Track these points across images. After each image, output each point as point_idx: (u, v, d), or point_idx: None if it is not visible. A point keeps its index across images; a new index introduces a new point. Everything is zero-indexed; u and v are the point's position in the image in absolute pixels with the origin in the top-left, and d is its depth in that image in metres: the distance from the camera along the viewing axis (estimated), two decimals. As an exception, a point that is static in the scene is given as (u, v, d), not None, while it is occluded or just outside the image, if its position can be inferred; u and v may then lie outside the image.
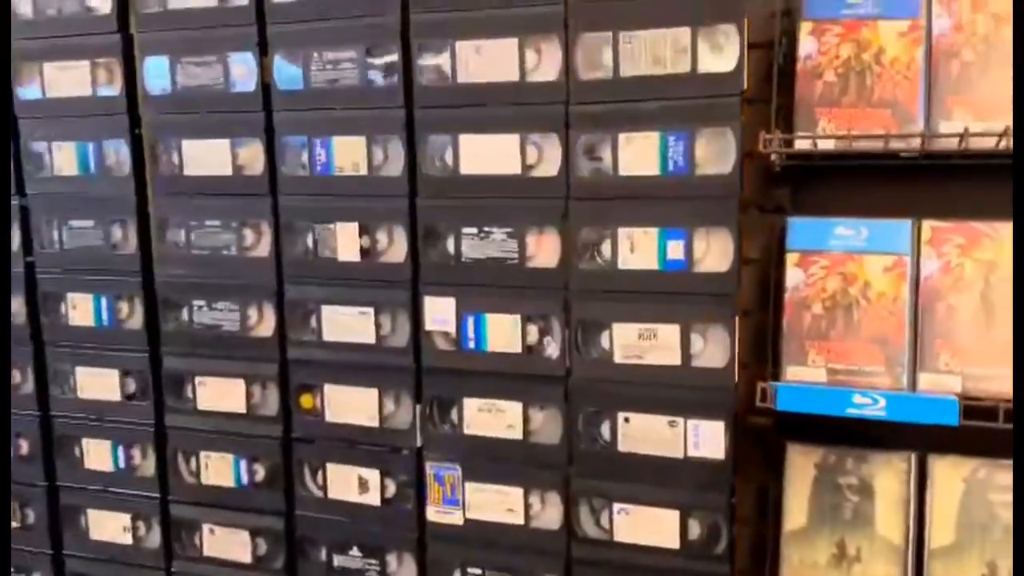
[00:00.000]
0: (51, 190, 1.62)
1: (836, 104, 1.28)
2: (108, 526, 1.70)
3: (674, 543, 1.34)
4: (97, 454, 1.68)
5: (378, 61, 1.39)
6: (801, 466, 1.37)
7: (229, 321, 1.56)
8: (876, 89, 1.27)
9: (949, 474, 1.31)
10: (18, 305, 1.69)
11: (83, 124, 1.58)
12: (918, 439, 1.32)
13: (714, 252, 1.27)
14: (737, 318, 1.27)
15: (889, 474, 1.34)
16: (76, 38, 1.55)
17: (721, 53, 1.23)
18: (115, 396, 1.65)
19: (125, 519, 1.69)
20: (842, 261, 1.31)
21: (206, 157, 1.52)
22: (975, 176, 1.28)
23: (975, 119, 1.23)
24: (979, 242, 1.26)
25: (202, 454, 1.61)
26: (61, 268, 1.65)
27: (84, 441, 1.69)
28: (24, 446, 1.74)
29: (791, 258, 1.32)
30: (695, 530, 1.33)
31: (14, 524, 1.75)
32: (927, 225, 1.29)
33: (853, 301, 1.30)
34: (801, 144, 1.24)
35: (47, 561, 1.75)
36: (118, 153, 1.58)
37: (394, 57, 1.38)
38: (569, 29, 1.28)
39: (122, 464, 1.67)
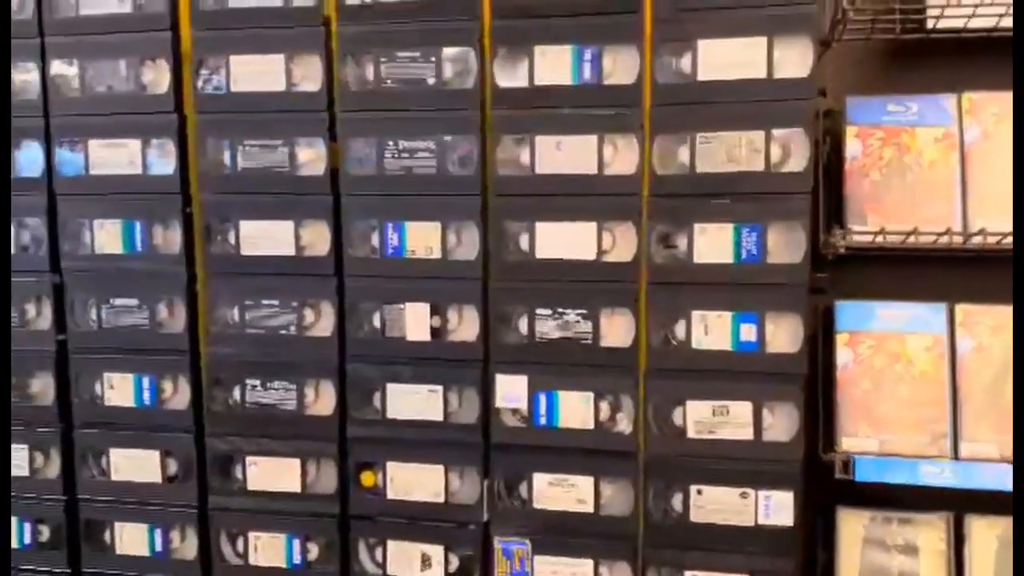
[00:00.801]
0: (90, 267, 1.59)
1: (881, 200, 1.43)
2: (140, 613, 1.65)
3: (745, 611, 1.43)
4: (131, 539, 1.63)
5: (456, 152, 1.45)
6: (851, 529, 1.49)
7: (285, 400, 1.56)
8: (917, 188, 1.42)
9: (984, 532, 1.45)
10: (45, 385, 1.64)
11: (131, 202, 1.56)
12: (954, 499, 1.46)
13: (783, 334, 1.38)
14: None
15: (931, 534, 1.47)
16: (128, 116, 1.54)
17: (790, 153, 1.35)
18: (154, 478, 1.62)
19: (161, 605, 1.65)
20: (886, 340, 1.44)
21: (266, 237, 1.53)
22: (999, 264, 1.44)
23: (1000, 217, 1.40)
24: (1007, 325, 1.42)
25: (251, 535, 1.59)
26: (98, 347, 1.61)
27: (117, 525, 1.64)
28: (46, 532, 1.67)
29: (840, 338, 1.45)
30: (764, 595, 1.42)
31: (33, 615, 1.68)
32: (960, 308, 1.44)
33: (898, 377, 1.43)
34: (860, 238, 1.38)
35: (68, 653, 1.68)
36: (167, 231, 1.57)
37: (472, 148, 1.44)
38: (648, 129, 1.38)
39: (159, 548, 1.63)
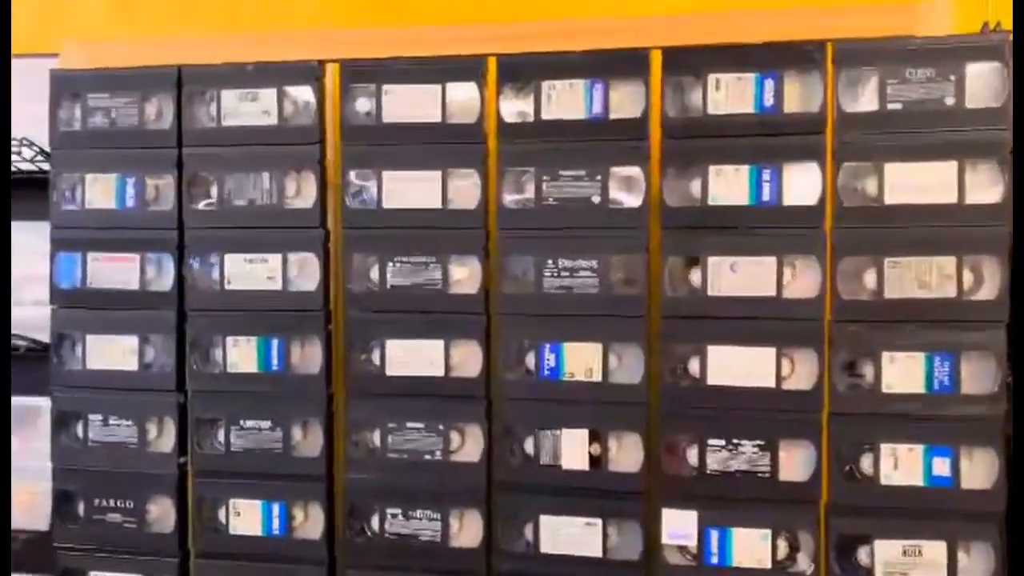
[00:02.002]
0: (221, 387, 1.51)
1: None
2: None
3: None
4: None
5: (620, 271, 1.39)
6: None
7: (428, 530, 1.47)
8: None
9: None
10: (164, 510, 1.54)
11: (269, 319, 1.49)
12: None
13: (979, 469, 1.31)
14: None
15: None
16: (270, 231, 1.49)
17: (983, 280, 1.30)
18: (280, 614, 1.51)
19: None
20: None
21: (414, 357, 1.46)
22: None
23: None
24: None
25: (386, 677, 1.48)
26: (225, 470, 1.52)
27: (236, 663, 1.53)
28: (156, 670, 1.55)
29: (1025, 469, 1.38)
30: None
31: None
32: None
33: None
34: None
35: None
36: (305, 349, 1.50)
37: (639, 268, 1.38)
38: (830, 251, 1.33)
39: None
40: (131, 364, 1.53)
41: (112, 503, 1.55)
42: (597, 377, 1.41)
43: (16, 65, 1.77)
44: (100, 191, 1.54)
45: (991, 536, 1.30)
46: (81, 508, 1.56)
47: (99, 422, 1.54)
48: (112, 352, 1.53)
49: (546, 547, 1.43)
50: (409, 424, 1.47)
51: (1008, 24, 1.31)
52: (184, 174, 1.51)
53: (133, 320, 1.53)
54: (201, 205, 1.51)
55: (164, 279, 1.53)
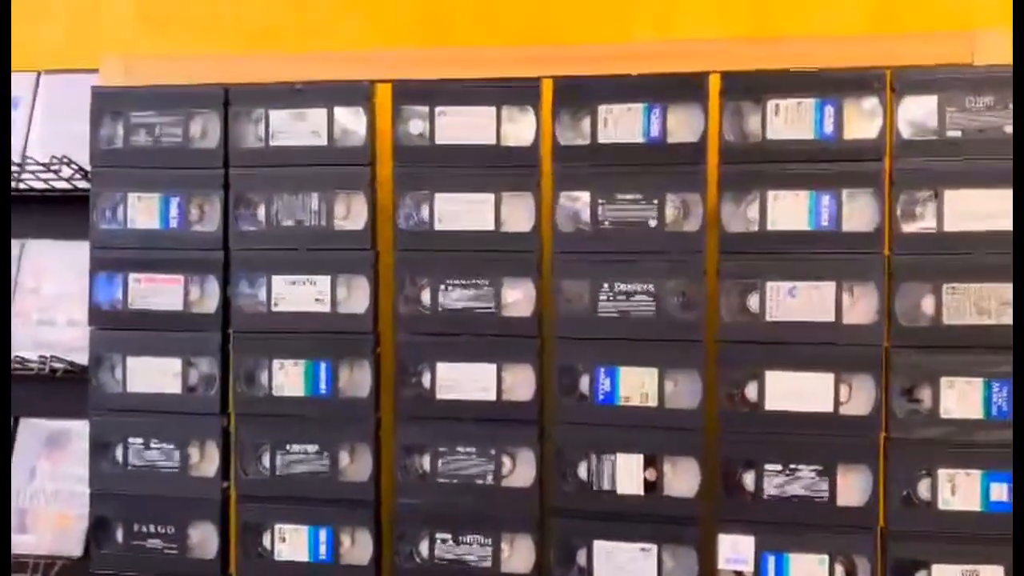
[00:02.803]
0: (266, 410, 1.49)
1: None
2: None
3: None
4: None
5: (677, 295, 1.39)
6: None
7: (479, 556, 1.45)
8: None
9: None
10: (206, 535, 1.51)
11: (318, 342, 1.47)
12: None
13: (1036, 494, 1.32)
14: (1060, 559, 1.31)
15: None
16: (319, 252, 1.47)
17: (1041, 307, 1.32)
18: (325, 639, 1.49)
19: None
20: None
21: (465, 381, 1.44)
22: None
23: None
24: None
25: None
26: (270, 495, 1.49)
27: None
28: None
29: (1075, 493, 1.39)
30: None
31: None
32: None
33: None
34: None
35: None
36: (354, 373, 1.48)
37: (698, 292, 1.38)
38: (887, 277, 1.34)
39: None
40: (174, 387, 1.51)
41: (152, 528, 1.52)
42: (653, 402, 1.40)
43: (47, 81, 1.75)
44: (143, 210, 1.51)
45: (1049, 561, 1.32)
46: (120, 534, 1.52)
47: (140, 445, 1.51)
48: (154, 374, 1.51)
49: (600, 573, 1.42)
50: (459, 448, 1.45)
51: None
52: (231, 194, 1.49)
53: (176, 342, 1.50)
54: (248, 226, 1.49)
55: (209, 301, 1.50)
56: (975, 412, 1.32)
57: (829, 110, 1.34)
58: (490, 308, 1.44)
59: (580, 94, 1.41)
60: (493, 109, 1.43)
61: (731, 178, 1.37)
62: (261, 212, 1.49)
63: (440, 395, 1.45)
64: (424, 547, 1.46)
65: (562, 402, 1.43)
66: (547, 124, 1.42)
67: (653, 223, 1.39)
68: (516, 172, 1.42)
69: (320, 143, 1.47)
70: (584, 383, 1.42)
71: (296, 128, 1.48)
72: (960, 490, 1.33)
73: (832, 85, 1.35)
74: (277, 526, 1.49)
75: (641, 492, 1.41)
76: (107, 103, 1.53)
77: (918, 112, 1.33)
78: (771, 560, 1.37)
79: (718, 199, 1.38)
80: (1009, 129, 1.31)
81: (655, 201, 1.39)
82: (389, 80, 1.47)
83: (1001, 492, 1.32)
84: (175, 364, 1.51)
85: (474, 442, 1.45)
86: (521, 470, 1.45)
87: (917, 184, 1.33)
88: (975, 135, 1.32)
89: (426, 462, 1.46)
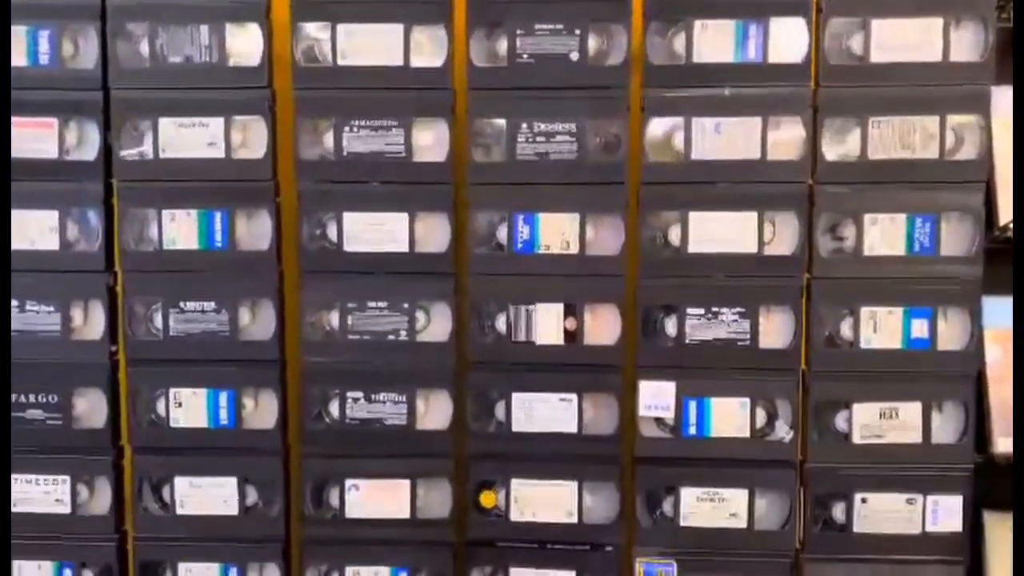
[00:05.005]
0: (156, 266, 1.37)
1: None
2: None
3: (909, 620, 1.35)
4: (199, 580, 1.41)
5: (599, 136, 1.32)
6: (1000, 533, 1.43)
7: (393, 414, 1.38)
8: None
9: None
10: (94, 404, 1.39)
11: (210, 191, 1.35)
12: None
13: (954, 330, 1.32)
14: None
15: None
16: (210, 92, 1.34)
17: (964, 140, 1.29)
18: (229, 509, 1.40)
19: (234, 654, 1.43)
20: (1035, 337, 1.40)
21: (375, 232, 1.35)
22: None
23: None
24: None
25: (349, 570, 1.39)
26: (163, 358, 1.38)
27: (181, 567, 1.40)
28: (90, 577, 1.42)
29: (988, 335, 1.40)
30: (930, 606, 1.35)
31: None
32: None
33: (1048, 374, 1.39)
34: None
35: None
36: (252, 224, 1.37)
37: (620, 132, 1.31)
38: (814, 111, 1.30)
39: (234, 590, 1.42)
40: (51, 243, 1.37)
41: (33, 398, 1.39)
42: (574, 249, 1.34)
43: None
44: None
45: (964, 395, 1.32)
46: (-4, 405, 1.40)
47: (15, 308, 1.38)
48: (28, 229, 1.36)
49: (519, 425, 1.37)
50: (370, 303, 1.37)
51: None
52: (108, 26, 1.33)
53: (52, 193, 1.36)
54: (131, 63, 1.34)
55: (87, 147, 1.36)
56: (898, 249, 1.30)
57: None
58: (400, 152, 1.34)
59: (495, -85, 1.31)
60: (401, -67, 1.31)
61: (657, 8, 1.30)
62: (144, 47, 1.34)
63: (348, 247, 1.36)
64: (335, 407, 1.38)
65: (478, 252, 1.35)
66: (459, -51, 1.31)
67: (575, 56, 1.31)
68: (425, 2, 1.32)
69: (208, -32, 1.33)
70: (502, 232, 1.35)
71: (180, -49, 1.33)
72: (882, 328, 1.32)
73: None
74: (172, 391, 1.39)
75: (561, 342, 1.36)
76: (-41, -78, 1.34)
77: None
78: (692, 405, 1.35)
79: (643, 30, 1.30)
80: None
81: (577, 32, 1.30)
82: None
83: (922, 328, 1.31)
84: (51, 217, 1.37)
85: (386, 296, 1.37)
86: (436, 324, 1.38)
87: (846, 10, 1.28)
88: (903, -41, 1.27)
89: (335, 319, 1.37)
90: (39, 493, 1.40)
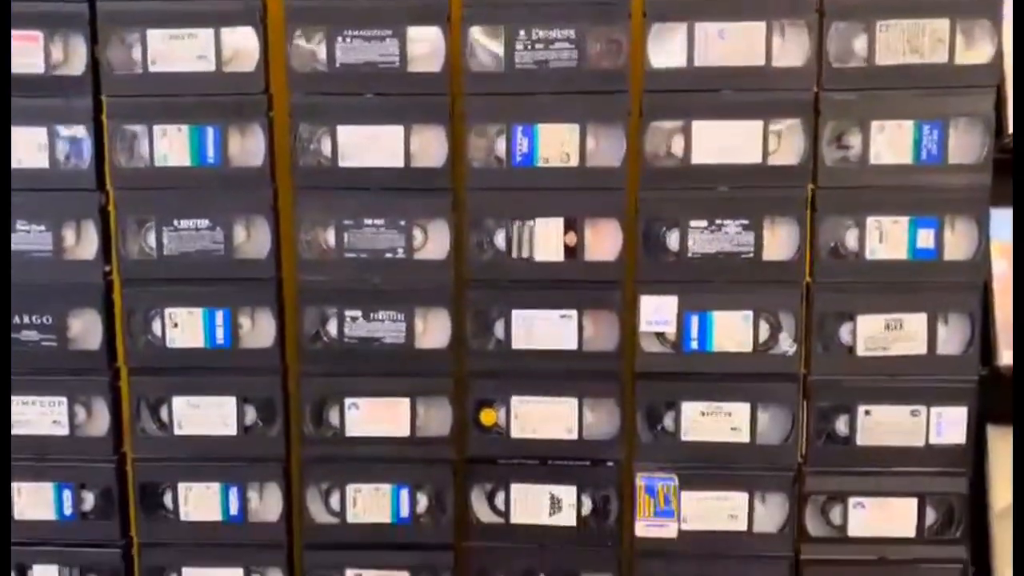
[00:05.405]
0: (148, 183, 1.34)
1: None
2: (211, 585, 1.43)
3: (910, 532, 1.34)
4: (199, 501, 1.40)
5: (600, 43, 1.28)
6: (1002, 447, 1.42)
7: (391, 333, 1.36)
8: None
9: None
10: (88, 325, 1.38)
11: (202, 104, 1.32)
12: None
13: (961, 240, 1.30)
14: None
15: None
16: (204, 2, 1.30)
17: (975, 44, 1.26)
18: (228, 430, 1.39)
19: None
20: (1041, 249, 1.38)
21: (370, 146, 1.32)
22: None
23: None
24: None
25: (350, 488, 1.39)
26: (158, 278, 1.36)
27: (181, 487, 1.40)
28: (91, 499, 1.41)
29: (994, 247, 1.37)
30: (931, 516, 1.34)
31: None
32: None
33: (1054, 286, 1.37)
34: None
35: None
36: (245, 138, 1.34)
37: (621, 38, 1.28)
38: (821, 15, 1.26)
39: (235, 511, 1.41)
40: (40, 161, 1.34)
41: (27, 319, 1.38)
42: (574, 162, 1.31)
43: None
44: (-13, -45, 1.31)
45: (970, 305, 1.30)
46: (-10, 327, 1.38)
47: (5, 228, 1.35)
48: (16, 146, 1.33)
49: (518, 343, 1.35)
50: (367, 220, 1.34)
51: None
52: (91, -61, 1.30)
53: (39, 109, 1.33)
54: (113, -27, 1.31)
55: (75, 61, 1.32)
56: (905, 157, 1.27)
57: None
58: (394, 63, 1.30)
59: None
60: None
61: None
62: (128, -44, 1.30)
63: (343, 162, 1.33)
64: (332, 326, 1.37)
65: (476, 166, 1.32)
66: None
67: (573, -40, 1.27)
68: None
69: None
70: (500, 145, 1.32)
71: None
72: (888, 238, 1.29)
73: None
74: (168, 310, 1.37)
75: (561, 258, 1.33)
76: None
77: None
78: (694, 320, 1.33)
79: (644, -69, 1.26)
80: None
81: (575, -65, 1.26)
82: None
83: (928, 238, 1.29)
84: (40, 134, 1.34)
85: (382, 213, 1.34)
86: (434, 242, 1.35)
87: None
88: None
89: (330, 236, 1.35)
90: (36, 414, 1.39)
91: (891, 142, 1.27)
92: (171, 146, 1.33)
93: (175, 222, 1.35)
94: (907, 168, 1.27)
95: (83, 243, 1.37)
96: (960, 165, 1.27)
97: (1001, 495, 1.42)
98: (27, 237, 1.36)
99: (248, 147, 1.34)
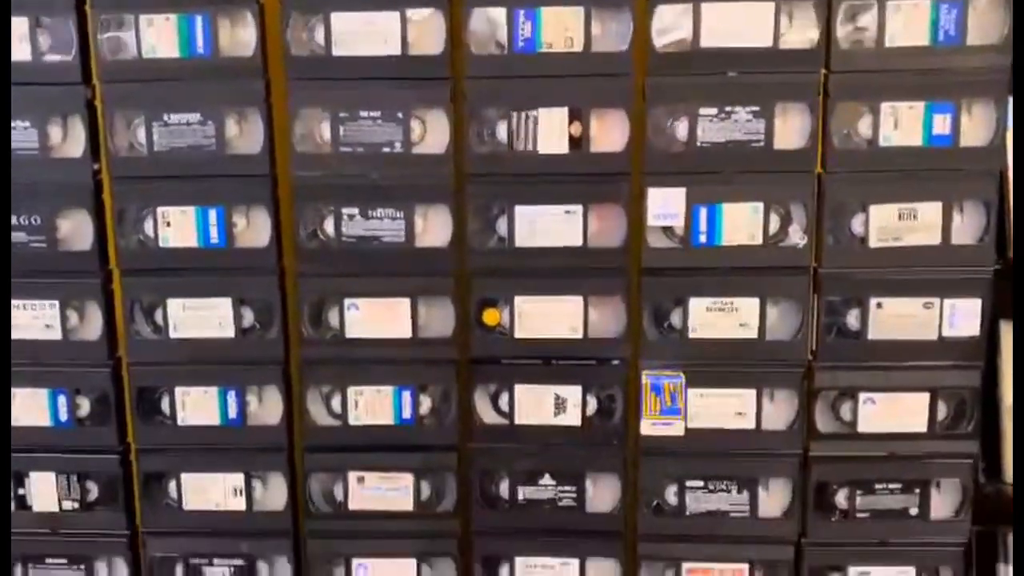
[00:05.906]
0: (136, 76, 1.29)
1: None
2: (212, 491, 1.41)
3: (921, 427, 1.32)
4: (197, 405, 1.38)
5: (604, -81, 1.23)
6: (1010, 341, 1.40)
7: (390, 231, 1.33)
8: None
9: None
10: (78, 225, 1.33)
11: (188, -8, 1.27)
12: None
13: (977, 125, 1.25)
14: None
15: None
16: None
17: (996, -82, 1.20)
18: (225, 332, 1.36)
19: (237, 479, 1.41)
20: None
21: (364, 34, 1.27)
22: None
23: None
24: None
25: (351, 390, 1.36)
26: (148, 175, 1.32)
27: (178, 391, 1.37)
28: (86, 405, 1.39)
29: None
30: (943, 411, 1.32)
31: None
32: None
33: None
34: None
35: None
36: (236, 29, 1.28)
37: (626, -86, 1.22)
38: None
39: (233, 414, 1.38)
40: (23, 53, 1.29)
41: (15, 220, 1.33)
42: (578, 47, 1.26)
43: None
44: None
45: (986, 193, 1.27)
46: (-23, 228, 1.34)
47: (-12, 124, 1.31)
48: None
49: (521, 240, 1.31)
50: (362, 113, 1.30)
51: None
52: None
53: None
54: None
55: (53, -54, 1.27)
56: (921, 39, 1.23)
57: None
58: (391, -57, 1.25)
59: None
60: None
61: None
62: None
63: (336, 50, 1.27)
64: (329, 225, 1.33)
65: (476, 53, 1.27)
66: None
67: None
68: None
69: None
70: (501, 31, 1.27)
71: None
72: (902, 124, 1.25)
73: None
74: (160, 209, 1.33)
75: (565, 150, 1.29)
76: None
77: None
78: (702, 212, 1.29)
79: None
80: None
81: None
82: None
83: (944, 124, 1.24)
84: (21, 24, 1.28)
85: (379, 105, 1.29)
86: (433, 135, 1.31)
87: None
88: None
89: (325, 130, 1.31)
90: (27, 319, 1.35)
91: (907, 21, 1.22)
92: (159, 36, 1.28)
93: (165, 116, 1.30)
94: (923, 50, 1.23)
95: (70, 140, 1.32)
96: (979, 46, 1.22)
97: (1012, 390, 1.40)
98: (12, 134, 1.31)
99: (238, 37, 1.29)
